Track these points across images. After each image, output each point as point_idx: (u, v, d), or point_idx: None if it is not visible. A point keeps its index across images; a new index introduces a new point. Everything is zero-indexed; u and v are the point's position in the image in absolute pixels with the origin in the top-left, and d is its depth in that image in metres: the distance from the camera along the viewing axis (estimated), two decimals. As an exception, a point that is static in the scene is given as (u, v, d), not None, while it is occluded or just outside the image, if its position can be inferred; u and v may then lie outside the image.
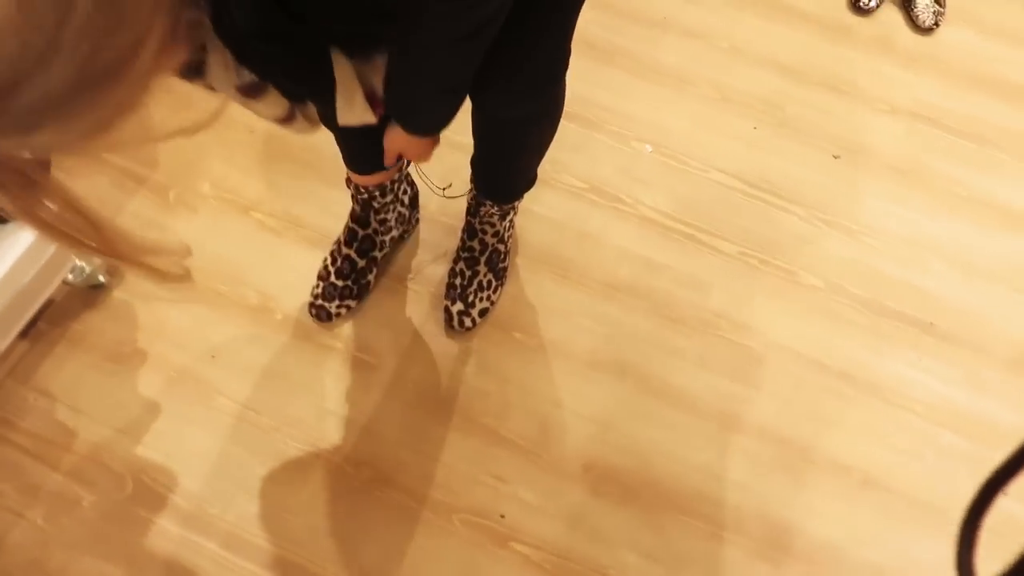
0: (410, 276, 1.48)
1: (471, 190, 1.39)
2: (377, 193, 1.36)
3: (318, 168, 1.58)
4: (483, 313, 1.44)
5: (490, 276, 1.44)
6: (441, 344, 1.42)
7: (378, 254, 1.45)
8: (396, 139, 1.00)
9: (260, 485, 1.29)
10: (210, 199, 1.54)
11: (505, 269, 1.48)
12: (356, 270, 1.43)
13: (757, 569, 1.26)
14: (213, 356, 1.39)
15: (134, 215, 1.50)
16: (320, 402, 1.36)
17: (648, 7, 1.85)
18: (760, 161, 1.66)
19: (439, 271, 1.48)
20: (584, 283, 1.50)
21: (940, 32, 1.88)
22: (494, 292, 1.45)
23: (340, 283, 1.42)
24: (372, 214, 1.40)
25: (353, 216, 1.42)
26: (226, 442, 1.32)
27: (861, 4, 1.88)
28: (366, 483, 1.30)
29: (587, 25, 1.77)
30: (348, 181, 1.37)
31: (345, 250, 1.43)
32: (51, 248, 1.25)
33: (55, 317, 1.40)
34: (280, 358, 1.40)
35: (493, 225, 1.42)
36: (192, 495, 1.27)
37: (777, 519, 1.30)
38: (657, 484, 1.32)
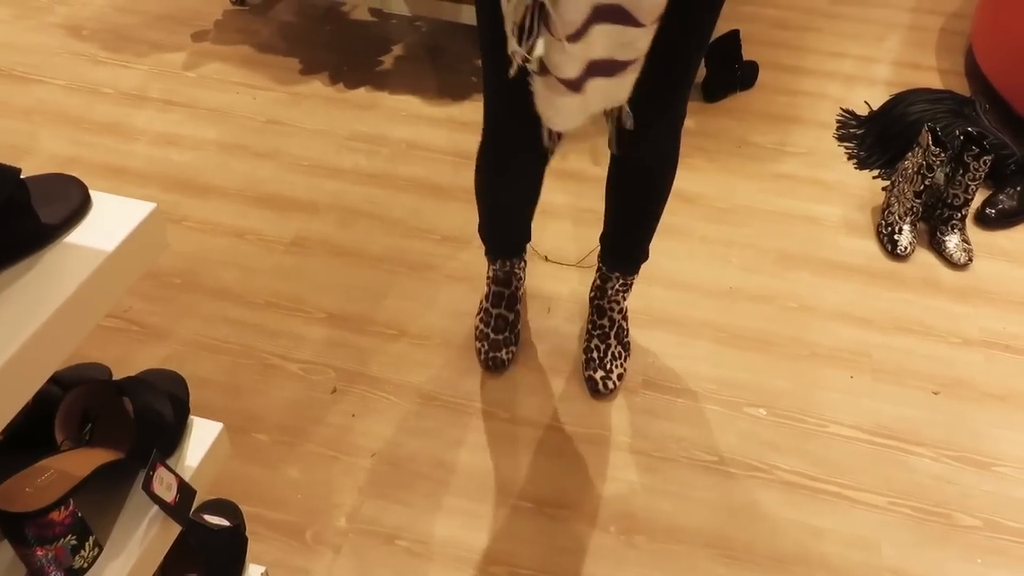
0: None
1: (599, 269, 1.70)
2: (519, 263, 1.75)
3: (450, 483, 1.54)
4: (620, 377, 1.71)
5: (619, 348, 1.73)
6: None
7: (519, 307, 1.79)
8: None
9: None
10: (350, 533, 1.46)
11: (629, 342, 1.76)
12: (509, 323, 1.75)
13: None
14: None
15: (274, 565, 1.41)
16: None
17: (713, 280, 1.98)
18: (870, 408, 1.70)
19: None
20: (753, 560, 1.44)
21: (975, 266, 2.05)
22: (625, 360, 1.73)
23: (500, 336, 1.73)
24: (513, 278, 1.74)
25: (496, 281, 1.75)
26: None
27: (899, 251, 2.05)
28: None
29: (664, 302, 1.89)
30: (488, 258, 1.73)
31: (495, 310, 1.74)
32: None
33: None
34: None
35: (619, 303, 1.71)
36: None
37: None
38: None
